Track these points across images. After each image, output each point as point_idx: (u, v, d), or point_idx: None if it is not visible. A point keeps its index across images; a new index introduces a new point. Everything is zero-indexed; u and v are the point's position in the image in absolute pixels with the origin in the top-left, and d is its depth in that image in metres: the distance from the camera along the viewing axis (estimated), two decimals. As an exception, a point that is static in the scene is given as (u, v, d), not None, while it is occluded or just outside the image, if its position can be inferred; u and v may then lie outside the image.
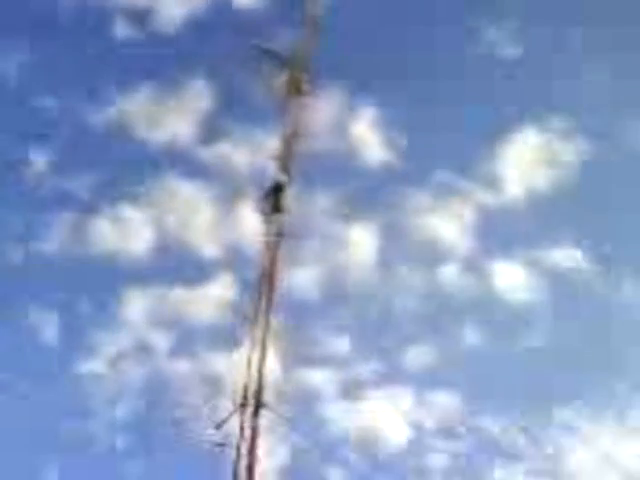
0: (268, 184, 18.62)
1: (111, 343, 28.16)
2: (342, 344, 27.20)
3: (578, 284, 29.86)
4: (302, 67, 19.92)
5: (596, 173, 30.72)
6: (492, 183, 31.02)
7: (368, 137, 30.52)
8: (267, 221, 18.09)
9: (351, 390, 26.36)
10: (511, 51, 32.01)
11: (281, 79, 19.83)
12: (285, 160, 18.87)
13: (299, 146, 19.03)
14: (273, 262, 17.31)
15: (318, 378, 25.28)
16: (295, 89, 19.73)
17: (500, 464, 26.28)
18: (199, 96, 30.94)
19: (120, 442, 26.33)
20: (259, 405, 15.15)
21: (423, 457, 26.48)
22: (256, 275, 17.14)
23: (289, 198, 18.42)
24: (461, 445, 26.54)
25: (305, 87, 19.81)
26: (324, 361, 24.51)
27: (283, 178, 18.60)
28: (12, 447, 25.04)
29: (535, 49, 31.85)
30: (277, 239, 17.75)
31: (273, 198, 18.26)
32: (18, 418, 26.05)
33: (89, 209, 30.30)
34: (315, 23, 20.16)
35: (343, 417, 24.79)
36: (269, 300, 16.56)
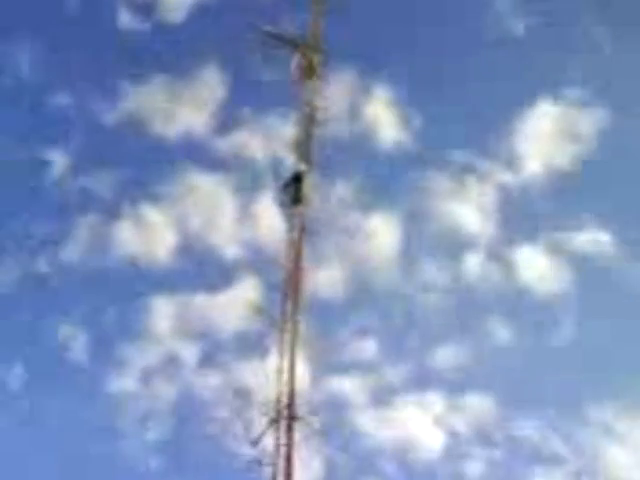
0: (287, 174, 17.39)
1: (139, 357, 27.42)
2: (368, 347, 26.33)
3: (605, 271, 28.67)
4: (315, 50, 18.80)
5: (616, 144, 29.55)
6: (511, 161, 29.99)
7: (383, 118, 29.51)
8: (288, 214, 16.79)
9: (381, 397, 25.44)
10: (523, 23, 31.02)
11: (294, 63, 18.79)
12: (303, 147, 17.63)
13: (316, 132, 17.78)
14: (297, 261, 15.98)
15: (347, 385, 24.41)
16: (309, 73, 18.56)
17: (538, 469, 25.19)
18: (212, 85, 30.14)
19: (154, 462, 25.54)
20: (292, 419, 13.83)
21: (459, 464, 25.50)
22: (280, 275, 15.86)
23: (309, 188, 17.14)
24: (497, 451, 25.59)
25: (319, 70, 18.68)
26: (351, 367, 23.45)
27: (302, 167, 17.36)
28: (43, 470, 24.27)
29: (548, 21, 30.81)
30: (300, 235, 16.44)
31: (293, 188, 16.99)
32: (50, 440, 25.52)
33: (111, 211, 29.57)
34: (324, 4, 19.24)
35: (376, 426, 23.77)
36: (295, 303, 15.23)
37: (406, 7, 29.80)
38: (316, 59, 18.69)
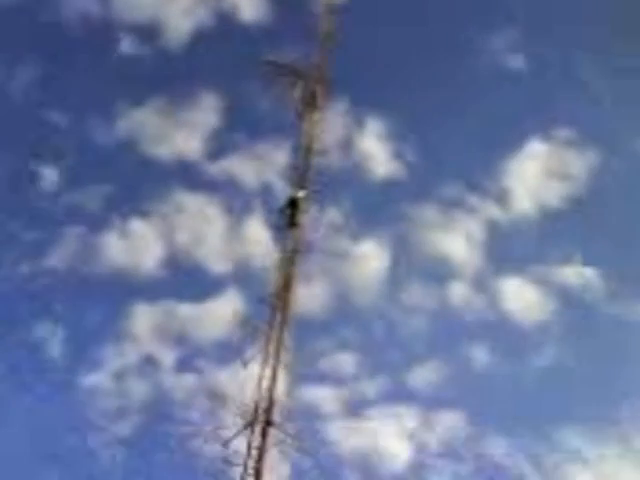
0: (277, 199, 18.47)
1: (117, 357, 28.19)
2: (347, 361, 27.02)
3: (588, 303, 29.46)
4: (318, 81, 19.77)
5: (606, 185, 30.33)
6: (500, 197, 30.78)
7: (376, 151, 30.43)
8: (281, 236, 17.88)
9: (355, 408, 26.00)
10: (518, 62, 31.85)
11: (296, 93, 19.74)
12: (300, 175, 18.67)
13: (313, 160, 18.82)
14: (288, 278, 17.05)
15: (322, 395, 24.91)
16: (310, 103, 19.54)
17: None
18: (207, 111, 31.08)
19: (121, 458, 26.17)
20: (268, 424, 14.88)
21: (424, 477, 26.07)
22: (265, 291, 16.91)
23: (303, 213, 18.22)
24: (464, 467, 26.15)
25: (321, 101, 19.66)
26: (328, 378, 24.25)
27: (300, 193, 18.42)
28: (14, 460, 24.88)
29: (539, 60, 31.68)
30: (292, 255, 17.52)
31: (289, 213, 18.06)
32: (21, 431, 26.21)
33: (100, 223, 30.52)
34: (329, 38, 20.17)
35: (346, 436, 24.40)
36: (283, 317, 16.31)
37: (402, 41, 30.78)
38: (319, 90, 19.71)
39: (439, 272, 29.63)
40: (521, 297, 29.53)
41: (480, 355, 28.64)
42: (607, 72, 30.30)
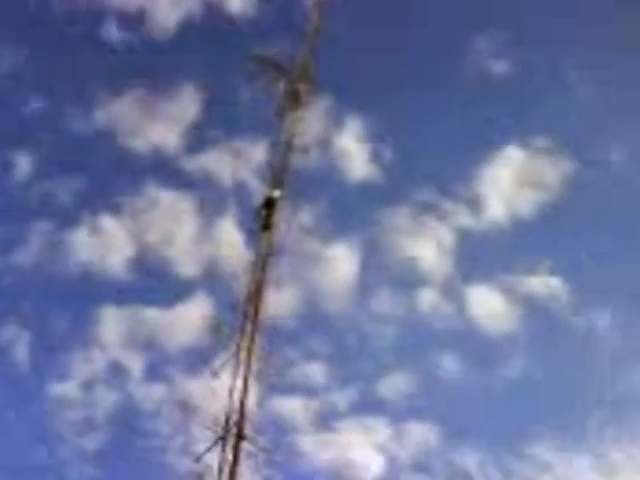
0: (259, 199, 17.97)
1: (84, 364, 27.43)
2: (316, 370, 26.77)
3: (554, 313, 29.70)
4: (302, 78, 19.40)
5: (579, 194, 30.58)
6: (473, 204, 30.85)
7: (353, 151, 30.19)
8: (255, 238, 17.41)
9: (325, 420, 25.72)
10: (499, 67, 31.87)
11: (279, 89, 19.34)
12: (278, 174, 18.24)
13: (291, 159, 18.44)
14: (259, 284, 16.58)
15: (291, 407, 24.55)
16: (293, 100, 19.12)
17: None
18: (187, 103, 30.49)
19: (90, 472, 25.47)
20: (240, 437, 14.46)
21: None
22: (236, 295, 16.41)
23: (279, 214, 17.78)
24: None
25: (303, 99, 19.26)
26: (297, 389, 23.76)
27: (276, 193, 17.95)
28: None
29: (521, 66, 31.72)
30: (264, 259, 17.05)
31: (264, 214, 17.58)
32: None
33: (69, 218, 29.76)
34: (316, 34, 19.84)
35: (316, 448, 24.26)
36: (255, 324, 15.86)
37: (384, 40, 30.52)
38: (303, 88, 19.32)
39: (408, 278, 29.69)
40: (488, 306, 29.71)
41: (449, 364, 28.82)
42: (593, 79, 30.50)
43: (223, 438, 14.39)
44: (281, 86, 19.43)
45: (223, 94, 27.75)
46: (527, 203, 30.79)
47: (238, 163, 24.38)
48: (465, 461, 26.44)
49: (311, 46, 19.72)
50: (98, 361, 27.55)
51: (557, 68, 31.46)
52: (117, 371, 27.29)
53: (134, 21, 31.29)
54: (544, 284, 29.78)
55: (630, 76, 30.40)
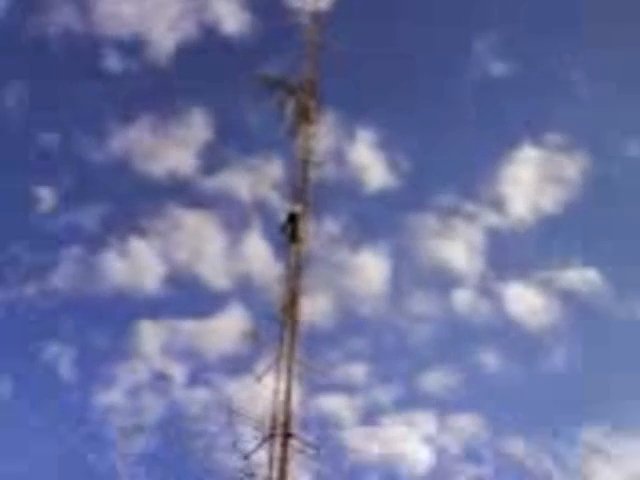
0: (283, 214, 18.79)
1: (128, 374, 28.84)
2: (358, 371, 27.31)
3: (592, 304, 30.16)
4: (310, 95, 20.07)
5: (600, 188, 30.89)
6: (497, 204, 31.18)
7: (369, 161, 30.72)
8: (284, 251, 18.23)
9: (370, 416, 26.27)
10: (503, 67, 32.24)
11: (287, 108, 20.01)
12: (297, 189, 19.01)
13: (309, 174, 19.16)
14: (293, 293, 17.43)
15: (336, 405, 24.96)
16: (303, 117, 19.84)
17: None
18: (198, 126, 31.27)
19: (143, 475, 26.70)
20: (288, 435, 15.31)
21: None
22: (269, 306, 17.36)
23: (303, 227, 18.56)
24: (486, 469, 26.43)
25: (313, 115, 19.95)
26: (341, 388, 24.51)
27: (297, 207, 18.77)
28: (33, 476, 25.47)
29: (526, 64, 32.15)
30: (296, 270, 17.89)
31: (290, 228, 18.39)
32: (39, 452, 26.40)
33: (98, 243, 31.27)
34: (315, 48, 20.40)
35: (365, 443, 24.77)
36: (293, 331, 16.71)
37: (384, 48, 31.17)
38: (311, 104, 20.02)
39: (441, 280, 30.11)
40: (525, 301, 30.15)
41: (490, 360, 29.19)
42: (594, 74, 30.83)
43: (271, 436, 15.25)
44: (289, 104, 20.08)
45: (231, 114, 28.65)
46: (550, 199, 31.39)
47: (255, 180, 25.15)
48: (514, 449, 26.73)
49: (314, 61, 20.44)
50: (141, 371, 29.04)
51: (558, 65, 31.81)
52: (160, 379, 28.69)
53: (132, 48, 32.30)
54: (580, 277, 30.38)
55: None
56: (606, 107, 31.30)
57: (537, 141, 31.81)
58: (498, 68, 32.29)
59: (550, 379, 29.16)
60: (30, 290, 30.04)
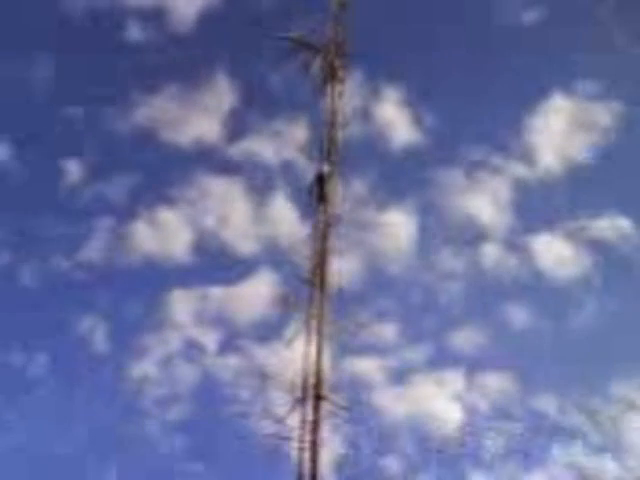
0: (309, 176, 18.63)
1: (160, 345, 28.84)
2: (387, 330, 27.12)
3: (626, 254, 29.53)
4: (337, 53, 19.80)
5: (633, 135, 30.31)
6: (525, 155, 30.80)
7: (395, 119, 30.45)
8: (311, 213, 18.10)
9: (401, 376, 26.37)
10: (532, 15, 31.69)
11: (314, 68, 19.78)
12: (324, 150, 18.82)
13: (335, 134, 18.92)
14: (322, 254, 17.30)
15: (367, 366, 25.23)
16: (330, 76, 19.57)
17: (559, 443, 25.57)
18: (222, 92, 31.18)
19: (178, 442, 26.91)
20: (319, 397, 15.26)
21: (479, 440, 26.03)
22: (298, 269, 17.13)
23: (331, 187, 18.40)
24: (517, 426, 26.27)
25: (341, 74, 19.70)
26: (370, 349, 24.33)
27: (325, 168, 18.60)
28: (76, 455, 25.88)
29: (556, 13, 31.52)
30: (324, 230, 17.75)
31: (318, 189, 18.25)
32: (77, 426, 26.80)
33: (127, 214, 31.18)
34: (344, 6, 20.13)
35: (395, 403, 24.76)
36: (322, 292, 16.59)
37: (412, 4, 31.05)
38: (338, 63, 19.77)
39: (469, 235, 29.87)
40: (555, 253, 29.70)
41: (519, 315, 28.94)
42: (628, 18, 30.21)
43: (303, 399, 15.18)
44: (316, 64, 19.82)
45: (255, 79, 28.39)
46: (580, 148, 30.72)
47: (280, 143, 25.00)
48: (545, 406, 26.53)
49: (340, 20, 20.13)
50: (173, 340, 28.90)
51: (585, 13, 31.17)
52: (192, 347, 28.54)
53: (154, 18, 31.95)
54: (612, 226, 29.58)
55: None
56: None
57: (568, 89, 31.22)
58: (526, 17, 31.63)
59: (581, 333, 28.74)
60: (60, 262, 30.10)
